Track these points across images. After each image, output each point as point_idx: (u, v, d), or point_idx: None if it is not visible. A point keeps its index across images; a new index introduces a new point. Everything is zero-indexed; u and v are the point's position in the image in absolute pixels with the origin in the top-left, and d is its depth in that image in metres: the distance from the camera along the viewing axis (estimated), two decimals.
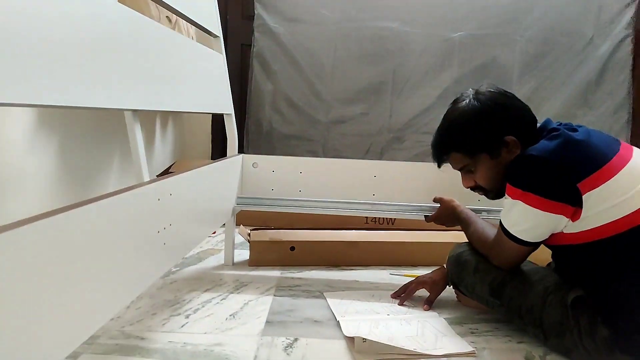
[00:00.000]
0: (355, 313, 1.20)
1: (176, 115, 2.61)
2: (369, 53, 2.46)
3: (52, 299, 0.58)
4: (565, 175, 0.94)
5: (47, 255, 0.56)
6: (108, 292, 0.73)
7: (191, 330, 1.08)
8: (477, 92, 1.09)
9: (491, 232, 1.15)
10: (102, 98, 0.76)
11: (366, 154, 2.46)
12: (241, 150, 1.61)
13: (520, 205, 0.99)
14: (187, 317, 1.14)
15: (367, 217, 1.95)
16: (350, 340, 1.04)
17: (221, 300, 1.26)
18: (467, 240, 1.25)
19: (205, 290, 1.32)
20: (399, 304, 1.28)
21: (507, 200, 1.03)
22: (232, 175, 1.50)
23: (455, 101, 1.13)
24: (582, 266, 1.01)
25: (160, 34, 1.02)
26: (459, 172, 1.16)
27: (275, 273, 1.50)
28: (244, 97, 2.56)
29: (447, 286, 1.28)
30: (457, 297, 1.32)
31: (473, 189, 1.15)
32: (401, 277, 1.52)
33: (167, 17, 1.71)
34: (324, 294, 1.33)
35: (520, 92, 2.34)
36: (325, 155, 2.42)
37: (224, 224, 1.54)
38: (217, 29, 1.51)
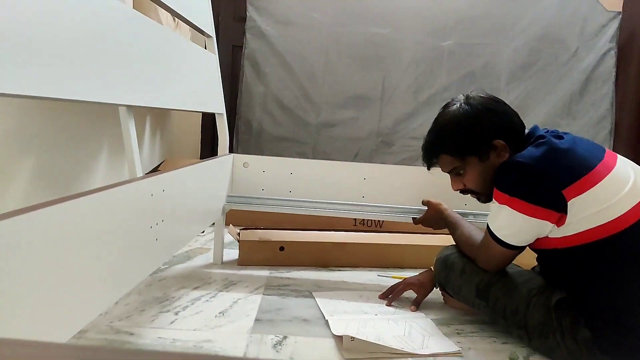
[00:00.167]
0: (343, 312, 1.22)
1: (166, 114, 2.60)
2: (360, 58, 2.49)
3: (41, 292, 0.57)
4: (551, 182, 0.97)
5: (38, 248, 0.56)
6: (99, 286, 0.73)
7: (180, 326, 1.08)
8: (467, 97, 1.12)
9: (478, 235, 1.18)
10: (97, 92, 0.77)
11: (355, 158, 2.49)
12: (231, 151, 1.61)
13: (506, 210, 1.01)
14: (176, 314, 1.14)
15: (355, 220, 1.97)
16: (339, 338, 1.06)
17: (210, 298, 1.26)
18: (454, 243, 1.28)
19: (195, 288, 1.32)
20: (386, 305, 1.29)
21: (494, 205, 1.06)
22: (223, 174, 1.50)
23: (446, 105, 1.16)
24: (566, 269, 1.04)
25: (155, 31, 1.03)
26: (448, 176, 1.19)
27: (264, 272, 1.51)
28: (234, 98, 2.56)
29: (435, 288, 1.30)
30: (443, 298, 1.34)
31: (463, 191, 1.17)
32: (389, 278, 1.54)
33: (173, 17, 1.71)
34: (313, 293, 1.34)
35: (507, 101, 2.38)
36: (315, 158, 2.44)
37: (214, 223, 1.54)
38: (211, 29, 1.52)
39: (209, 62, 1.46)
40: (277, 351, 1.00)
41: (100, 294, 0.73)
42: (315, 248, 1.61)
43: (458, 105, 1.12)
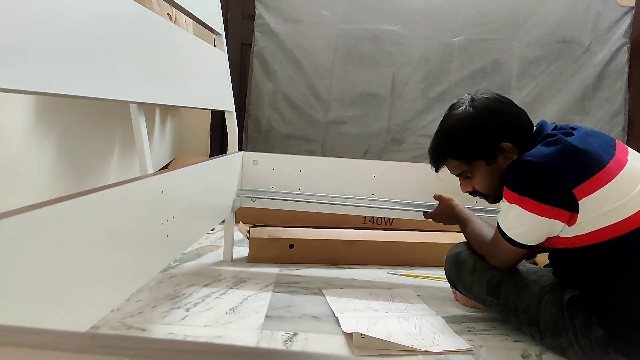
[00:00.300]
0: (353, 310, 1.21)
1: (175, 112, 2.61)
2: (369, 55, 2.48)
3: (53, 289, 0.58)
4: (561, 181, 0.95)
5: (50, 243, 0.57)
6: (111, 282, 0.73)
7: (191, 323, 1.08)
8: (472, 99, 1.10)
9: (489, 232, 1.17)
10: (108, 89, 0.77)
11: (364, 155, 2.48)
12: (240, 149, 1.61)
13: (516, 209, 1.00)
14: (187, 310, 1.15)
15: (365, 217, 1.97)
16: (349, 335, 1.05)
17: (220, 295, 1.26)
18: (465, 240, 1.27)
19: (205, 285, 1.32)
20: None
21: (504, 204, 1.05)
22: (232, 172, 1.51)
23: (452, 107, 1.14)
24: (578, 268, 1.02)
25: (165, 29, 1.03)
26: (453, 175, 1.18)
27: (274, 270, 1.51)
28: (243, 96, 2.56)
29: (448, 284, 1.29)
30: (454, 296, 1.33)
31: (472, 193, 1.17)
32: (399, 276, 1.54)
33: (167, 13, 1.72)
34: (323, 291, 1.34)
35: (518, 97, 2.37)
36: (324, 156, 2.43)
37: (223, 221, 1.55)
38: (220, 27, 1.52)
39: (218, 60, 1.47)
40: (287, 347, 1.00)
41: (112, 290, 0.74)
42: (325, 246, 1.61)
43: (463, 108, 1.10)
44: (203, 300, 1.22)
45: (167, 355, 0.24)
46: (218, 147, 2.75)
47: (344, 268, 1.58)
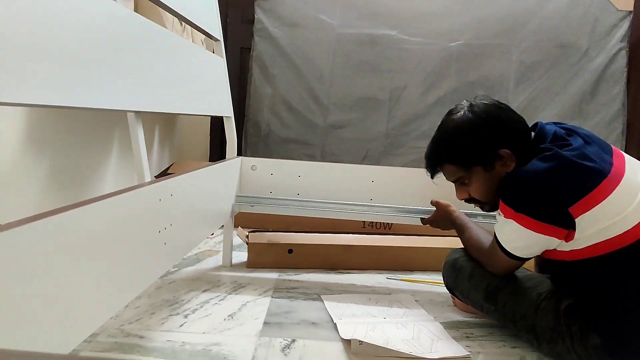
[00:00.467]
0: (352, 316, 1.22)
1: (175, 117, 2.62)
2: (368, 60, 2.48)
3: (52, 297, 0.58)
4: (557, 199, 0.94)
5: (49, 254, 0.57)
6: (109, 290, 0.73)
7: (190, 329, 1.08)
8: (471, 104, 1.10)
9: (486, 239, 1.17)
10: (105, 99, 0.78)
11: (363, 159, 2.48)
12: (239, 153, 1.62)
13: (513, 224, 1.00)
14: (185, 316, 1.15)
15: (364, 222, 1.97)
16: (347, 342, 1.06)
17: (219, 301, 1.27)
18: (462, 246, 1.27)
19: (204, 291, 1.33)
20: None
21: (500, 217, 1.05)
22: (231, 177, 1.51)
23: (450, 113, 1.14)
24: (575, 278, 1.02)
25: (162, 36, 1.04)
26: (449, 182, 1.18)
27: (272, 275, 1.51)
28: (242, 100, 2.57)
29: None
30: (452, 302, 1.34)
31: (468, 200, 1.16)
32: (398, 281, 1.54)
33: (181, 23, 1.72)
34: (321, 296, 1.34)
35: (516, 102, 2.38)
36: (323, 160, 2.44)
37: (222, 226, 1.55)
38: (218, 33, 1.53)
39: (216, 66, 1.47)
40: (285, 354, 1.00)
41: (110, 298, 0.74)
42: (324, 250, 1.62)
43: (462, 113, 1.09)
44: (202, 307, 1.22)
45: None
46: (217, 151, 2.75)
47: (343, 273, 1.59)
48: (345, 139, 2.50)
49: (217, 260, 1.62)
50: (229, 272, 1.51)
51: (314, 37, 2.48)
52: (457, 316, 1.27)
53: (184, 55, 1.17)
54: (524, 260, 1.05)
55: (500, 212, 1.03)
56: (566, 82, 2.45)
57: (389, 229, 1.97)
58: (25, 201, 1.24)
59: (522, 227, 0.98)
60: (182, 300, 1.25)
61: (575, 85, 2.44)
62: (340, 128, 2.50)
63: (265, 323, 1.15)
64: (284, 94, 2.50)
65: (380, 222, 1.98)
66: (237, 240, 1.72)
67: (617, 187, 0.93)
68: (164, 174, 2.21)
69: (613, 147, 1.05)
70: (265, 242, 1.59)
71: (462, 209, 1.38)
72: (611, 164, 0.97)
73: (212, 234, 1.91)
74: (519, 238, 1.01)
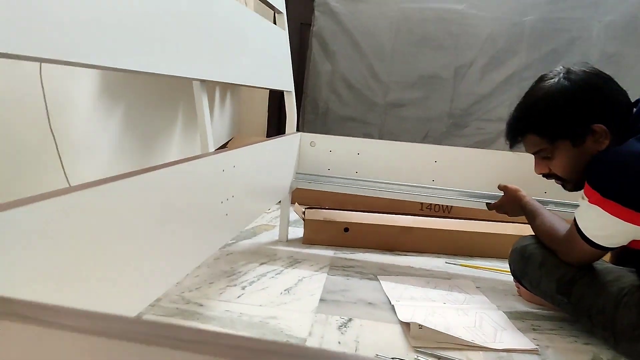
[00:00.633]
0: (410, 299, 1.18)
1: (234, 92, 2.64)
2: (432, 36, 2.37)
3: (122, 261, 0.59)
4: None
5: (119, 217, 0.58)
6: (175, 256, 0.74)
7: (247, 301, 1.09)
8: (568, 71, 1.00)
9: (561, 225, 1.09)
10: (173, 66, 0.77)
11: (423, 140, 2.39)
12: (297, 130, 1.60)
13: (598, 211, 0.91)
14: (243, 288, 1.16)
15: (422, 204, 1.90)
16: (405, 325, 1.02)
17: (276, 274, 1.27)
18: (532, 233, 1.19)
19: (261, 264, 1.33)
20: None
21: (583, 201, 0.96)
22: (290, 153, 1.50)
23: (541, 78, 1.04)
24: None
25: (228, 6, 1.02)
26: (526, 161, 1.09)
27: (328, 252, 1.50)
28: (301, 76, 2.54)
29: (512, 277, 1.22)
30: (517, 290, 1.26)
31: (546, 176, 1.08)
32: (457, 266, 1.48)
33: None
34: (378, 277, 1.31)
35: None
36: (381, 139, 2.37)
37: (279, 202, 1.55)
38: (282, 5, 1.50)
39: (279, 39, 1.45)
40: (342, 333, 0.98)
41: (174, 265, 0.75)
42: (381, 231, 1.58)
43: (556, 80, 0.99)
44: (259, 279, 1.22)
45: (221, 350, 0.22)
46: (275, 127, 2.76)
47: (400, 255, 1.55)
48: (405, 118, 2.41)
49: (273, 235, 1.63)
50: (285, 247, 1.51)
51: (377, 12, 2.39)
52: (523, 306, 1.20)
53: (248, 26, 1.15)
54: (607, 250, 0.96)
55: (585, 196, 0.95)
56: None
57: (449, 212, 1.90)
58: (94, 165, 1.28)
59: (609, 214, 0.89)
60: (240, 272, 1.27)
61: None
62: (400, 107, 2.42)
63: (321, 300, 1.13)
64: (344, 71, 2.45)
65: (439, 205, 1.91)
66: (293, 216, 1.71)
67: None
68: (223, 148, 2.24)
69: None
70: (322, 219, 1.58)
71: (532, 195, 1.29)
72: None
73: (268, 209, 1.92)
74: (604, 226, 0.92)
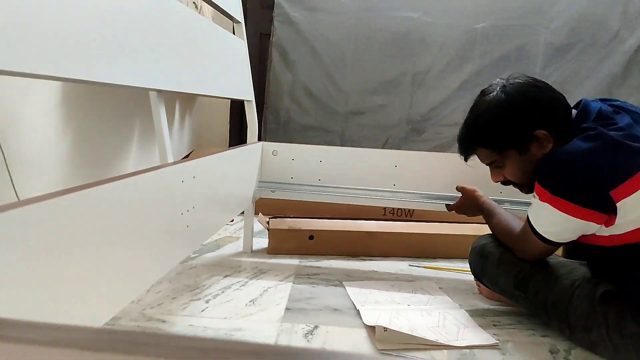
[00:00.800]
0: (375, 302, 1.19)
1: (195, 103, 2.61)
2: (390, 43, 2.42)
3: (72, 279, 0.57)
4: (598, 183, 0.89)
5: (70, 232, 0.56)
6: (132, 271, 0.72)
7: (211, 314, 1.07)
8: (504, 85, 1.05)
9: (516, 223, 1.13)
10: (128, 76, 0.76)
11: (384, 146, 2.44)
12: (259, 140, 1.60)
13: (548, 208, 0.95)
14: (207, 302, 1.14)
15: (385, 209, 1.94)
16: (371, 329, 1.03)
17: (240, 286, 1.25)
18: (490, 232, 1.23)
19: (225, 277, 1.32)
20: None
21: (535, 200, 1.00)
22: (252, 162, 1.49)
23: (483, 93, 1.09)
24: (613, 264, 0.98)
25: (185, 16, 1.01)
26: (483, 164, 1.14)
27: (293, 261, 1.50)
28: (262, 86, 2.54)
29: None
30: (478, 289, 1.30)
31: (504, 182, 1.12)
32: (421, 268, 1.51)
33: (193, 2, 1.70)
34: (343, 283, 1.32)
35: None
36: (344, 147, 2.40)
37: (243, 212, 1.54)
38: (240, 15, 1.50)
39: (238, 49, 1.45)
40: (308, 340, 0.98)
41: (132, 281, 0.73)
42: (345, 237, 1.59)
43: (494, 94, 1.04)
44: (223, 292, 1.21)
45: (188, 354, 0.22)
46: (237, 138, 2.74)
47: (365, 260, 1.56)
48: (366, 126, 2.45)
49: (237, 246, 1.61)
50: (250, 258, 1.50)
51: (335, 22, 2.43)
52: (483, 304, 1.23)
53: (206, 36, 1.15)
54: (558, 245, 1.01)
55: (536, 194, 0.99)
56: (596, 64, 2.35)
57: (411, 215, 1.94)
58: (48, 182, 1.24)
59: (559, 211, 0.93)
60: (204, 285, 1.25)
61: (605, 67, 2.35)
62: (360, 114, 2.45)
63: (287, 309, 1.13)
64: (304, 80, 2.47)
65: (402, 209, 1.94)
66: (257, 227, 1.71)
67: None
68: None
69: None
70: (286, 228, 1.58)
71: (489, 195, 1.33)
72: None
73: (232, 221, 1.91)
74: (555, 222, 0.96)
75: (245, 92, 1.51)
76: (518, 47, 2.37)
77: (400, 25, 2.40)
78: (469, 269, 1.27)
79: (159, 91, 0.91)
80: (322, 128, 2.48)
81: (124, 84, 0.73)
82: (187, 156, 2.41)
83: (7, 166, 1.04)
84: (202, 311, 1.09)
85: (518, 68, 2.33)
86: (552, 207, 0.94)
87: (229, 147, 2.73)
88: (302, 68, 2.46)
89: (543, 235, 0.99)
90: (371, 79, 2.44)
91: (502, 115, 1.03)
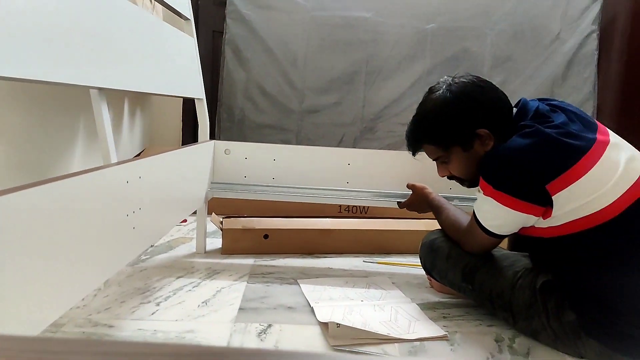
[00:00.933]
0: (329, 299, 1.20)
1: (145, 101, 2.54)
2: (342, 42, 2.44)
3: (10, 283, 0.54)
4: (534, 177, 0.94)
5: (2, 236, 0.53)
6: (72, 275, 0.69)
7: (162, 317, 1.05)
8: (450, 84, 1.08)
9: (463, 218, 1.17)
10: (66, 74, 0.73)
11: (339, 144, 2.46)
12: (212, 139, 1.57)
13: (491, 202, 0.99)
14: (157, 304, 1.11)
15: (340, 206, 1.95)
16: (324, 325, 1.04)
17: (193, 287, 1.23)
18: (439, 228, 1.27)
19: (177, 278, 1.29)
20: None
21: (479, 194, 1.04)
22: (203, 161, 1.46)
23: (430, 91, 1.12)
24: (551, 254, 1.03)
25: (130, 11, 0.98)
26: (432, 161, 1.17)
27: (248, 261, 1.48)
28: (215, 85, 2.50)
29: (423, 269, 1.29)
30: (429, 283, 1.33)
31: (450, 177, 1.16)
32: (375, 264, 1.53)
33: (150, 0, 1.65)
34: (298, 280, 1.32)
35: None
36: (299, 145, 2.40)
37: (196, 212, 1.51)
38: (188, 12, 1.47)
39: (187, 46, 1.42)
40: (261, 340, 0.98)
41: (75, 284, 0.70)
42: (300, 235, 1.59)
43: (440, 92, 1.08)
44: (175, 294, 1.18)
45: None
46: (190, 137, 2.69)
47: (320, 257, 1.57)
48: (321, 124, 2.46)
49: (190, 247, 1.58)
50: (203, 259, 1.48)
51: (288, 20, 2.42)
52: (434, 297, 1.27)
53: (152, 33, 1.12)
54: (502, 238, 1.05)
55: (480, 189, 1.03)
56: (539, 65, 2.46)
57: (366, 212, 1.96)
58: None
59: (501, 204, 0.97)
60: (154, 287, 1.21)
61: (547, 68, 2.47)
62: (315, 113, 2.46)
63: (240, 309, 1.12)
64: (258, 79, 2.45)
65: (357, 207, 1.97)
66: (211, 227, 1.68)
67: (596, 165, 0.92)
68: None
69: (599, 124, 1.02)
70: (240, 227, 1.56)
71: (438, 191, 1.37)
72: (593, 141, 0.95)
73: (185, 221, 1.87)
74: (498, 216, 1.00)
75: (195, 90, 1.48)
76: (466, 48, 2.45)
77: (352, 24, 2.43)
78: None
79: (100, 89, 0.88)
80: (277, 126, 2.47)
81: (60, 82, 0.70)
82: (138, 155, 2.34)
83: None
84: (152, 314, 1.06)
85: (467, 68, 2.41)
86: (495, 201, 0.98)
87: (182, 145, 2.68)
88: (255, 66, 2.44)
89: (487, 228, 1.03)
90: (325, 77, 2.45)
91: (447, 113, 1.06)
